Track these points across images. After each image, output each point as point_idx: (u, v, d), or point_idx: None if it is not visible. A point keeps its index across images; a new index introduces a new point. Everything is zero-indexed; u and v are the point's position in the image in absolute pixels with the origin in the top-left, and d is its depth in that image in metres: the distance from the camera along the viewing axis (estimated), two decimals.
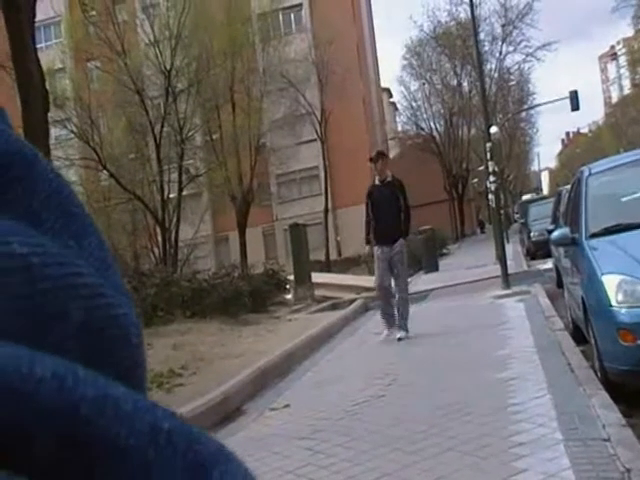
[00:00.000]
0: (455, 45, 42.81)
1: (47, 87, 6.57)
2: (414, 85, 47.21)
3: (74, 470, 0.21)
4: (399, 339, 7.38)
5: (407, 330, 7.55)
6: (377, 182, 7.81)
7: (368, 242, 7.96)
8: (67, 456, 0.20)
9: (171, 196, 21.26)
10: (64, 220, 0.26)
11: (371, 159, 7.83)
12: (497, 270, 11.38)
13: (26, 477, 0.20)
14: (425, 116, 47.07)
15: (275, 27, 33.32)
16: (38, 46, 6.94)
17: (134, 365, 0.26)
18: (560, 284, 8.42)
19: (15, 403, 0.19)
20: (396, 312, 7.65)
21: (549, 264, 11.99)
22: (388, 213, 7.58)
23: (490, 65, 41.80)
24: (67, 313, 0.23)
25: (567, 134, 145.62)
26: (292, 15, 38.07)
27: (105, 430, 0.21)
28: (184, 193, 22.07)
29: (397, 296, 7.67)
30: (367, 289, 12.29)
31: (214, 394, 5.33)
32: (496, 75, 43.57)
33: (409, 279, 8.59)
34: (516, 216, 40.84)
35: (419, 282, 15.03)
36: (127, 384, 0.23)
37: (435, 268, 17.48)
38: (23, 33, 5.69)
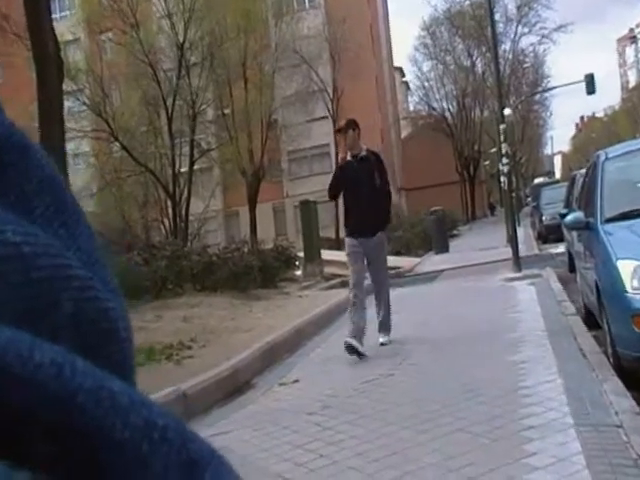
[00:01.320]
0: (469, 26, 42.34)
1: (61, 58, 6.55)
2: (427, 65, 46.85)
3: (70, 459, 0.21)
4: (382, 344, 6.20)
5: (389, 332, 6.38)
6: (349, 158, 6.22)
7: (334, 196, 6.50)
8: (63, 444, 0.20)
9: (182, 170, 21.24)
10: (55, 207, 0.26)
11: (339, 130, 6.31)
12: (508, 253, 11.32)
13: (23, 465, 0.20)
14: (437, 97, 46.81)
15: (288, 3, 33.05)
16: (52, 17, 6.88)
17: (123, 359, 0.26)
18: (572, 268, 8.36)
19: (13, 387, 0.20)
20: (365, 324, 6.08)
21: (561, 248, 11.91)
22: (364, 196, 6.06)
23: (504, 47, 41.34)
24: (58, 304, 0.23)
25: (582, 118, 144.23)
26: None
27: (101, 421, 0.21)
28: (195, 167, 22.05)
29: (377, 300, 6.38)
30: None
31: (223, 367, 5.34)
32: (510, 57, 43.13)
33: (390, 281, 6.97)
34: (528, 199, 40.65)
35: (429, 263, 15.00)
36: (116, 377, 0.23)
37: (445, 249, 17.43)
38: (38, 4, 5.65)
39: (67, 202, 0.27)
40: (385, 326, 6.39)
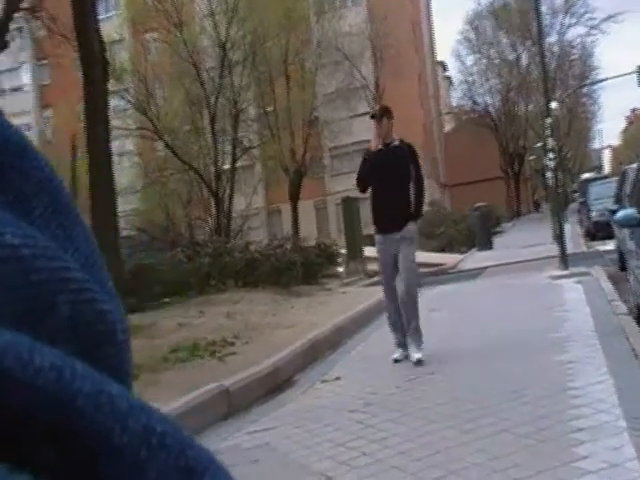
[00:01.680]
0: (514, 19, 41.66)
1: (106, 57, 6.66)
2: (470, 59, 46.27)
3: (69, 462, 0.21)
4: (419, 361, 5.44)
5: (419, 346, 5.62)
6: (379, 147, 5.80)
7: (363, 188, 5.99)
8: (62, 448, 0.20)
9: (225, 167, 21.41)
10: (53, 209, 0.26)
11: (373, 116, 5.88)
12: (554, 250, 11.10)
13: (22, 468, 0.20)
14: (481, 91, 46.21)
15: (330, 0, 33.00)
16: (98, 18, 6.99)
17: (120, 362, 0.26)
18: (623, 267, 8.14)
19: (13, 390, 0.19)
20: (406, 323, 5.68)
21: (610, 246, 11.62)
22: (393, 187, 5.66)
23: (550, 39, 40.53)
24: (56, 306, 0.23)
25: (632, 111, 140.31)
26: None
27: (100, 425, 0.21)
28: (238, 165, 22.19)
29: (402, 307, 5.72)
30: (419, 264, 12.20)
31: (265, 364, 5.36)
32: (557, 49, 42.29)
33: (420, 281, 6.39)
34: (575, 195, 39.83)
35: (472, 260, 14.81)
36: (113, 380, 0.23)
37: (489, 246, 17.19)
38: (85, 5, 5.76)
39: (65, 204, 0.27)
40: (416, 338, 5.64)
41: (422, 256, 14.72)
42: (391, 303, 5.84)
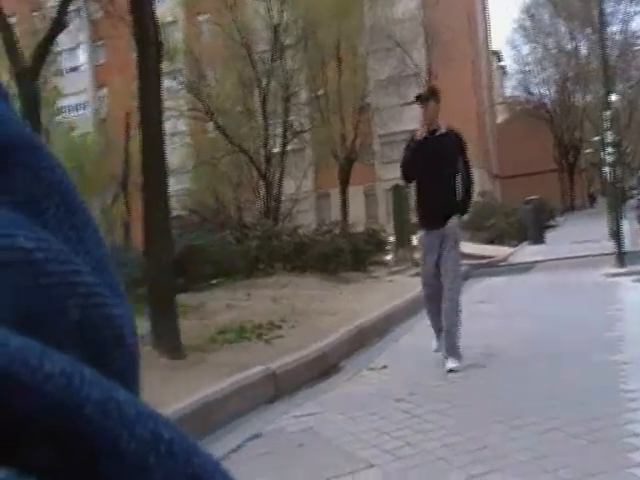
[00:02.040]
0: (574, 6, 40.54)
1: (160, 39, 6.74)
2: (526, 48, 45.26)
3: (75, 469, 0.21)
4: (450, 371, 4.99)
5: (458, 355, 5.12)
6: (424, 135, 5.30)
7: (408, 179, 5.56)
8: (69, 455, 0.20)
9: (275, 151, 21.48)
10: (65, 210, 0.26)
11: (418, 97, 5.37)
12: (609, 247, 10.82)
13: (28, 473, 0.20)
14: (536, 81, 45.23)
15: None
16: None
17: (127, 366, 0.26)
18: None
19: (22, 396, 0.20)
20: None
21: None
22: (438, 180, 5.22)
23: (613, 27, 39.31)
24: (66, 310, 0.23)
25: None
26: None
27: (108, 432, 0.21)
28: (288, 148, 22.22)
29: (442, 308, 5.26)
30: (468, 256, 12.04)
31: (312, 349, 5.38)
32: (618, 38, 41.01)
33: (461, 281, 5.74)
34: (633, 192, 38.73)
35: (523, 253, 14.56)
36: (121, 385, 0.23)
37: (541, 240, 16.88)
38: None
39: (77, 204, 0.27)
40: (451, 346, 5.12)
41: (472, 247, 14.55)
42: (429, 302, 5.46)
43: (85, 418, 0.20)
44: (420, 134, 5.34)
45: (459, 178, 5.33)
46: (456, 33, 31.81)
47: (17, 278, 0.22)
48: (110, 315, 0.25)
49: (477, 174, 36.84)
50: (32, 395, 0.20)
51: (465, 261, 11.84)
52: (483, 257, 13.12)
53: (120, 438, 0.21)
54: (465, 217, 5.74)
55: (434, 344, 5.45)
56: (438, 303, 5.27)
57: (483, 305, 7.59)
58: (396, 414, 4.10)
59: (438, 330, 5.36)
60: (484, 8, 47.26)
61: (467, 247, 13.26)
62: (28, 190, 0.25)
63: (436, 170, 5.25)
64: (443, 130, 5.41)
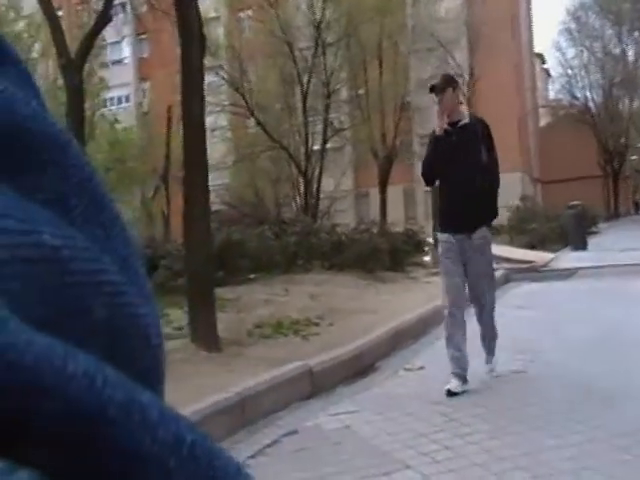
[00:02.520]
0: (621, 9, 39.75)
1: (204, 34, 6.81)
2: (571, 52, 44.54)
3: (97, 471, 0.21)
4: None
5: (492, 365, 4.87)
6: (445, 126, 4.70)
7: (429, 181, 4.98)
8: (91, 457, 0.20)
9: (315, 148, 21.53)
10: (93, 208, 0.26)
11: (433, 88, 4.78)
12: None
13: (47, 476, 0.20)
14: (581, 85, 44.50)
15: None
16: None
17: (152, 366, 0.26)
18: None
19: (45, 397, 0.20)
20: (466, 356, 4.62)
21: None
22: (465, 178, 4.61)
23: None
24: (91, 309, 0.23)
25: None
26: None
27: (130, 435, 0.21)
28: (328, 146, 22.26)
29: (478, 322, 4.82)
30: (508, 260, 11.90)
31: (349, 348, 5.36)
32: None
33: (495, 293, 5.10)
34: None
35: (565, 259, 14.32)
36: (144, 385, 0.23)
37: (583, 246, 16.58)
38: None
39: (105, 202, 0.27)
40: (489, 355, 4.90)
41: (512, 252, 14.38)
42: (452, 327, 4.63)
43: (107, 420, 0.20)
44: (440, 128, 4.70)
45: (485, 173, 4.69)
46: (500, 34, 31.48)
47: (43, 276, 0.22)
48: (136, 314, 0.25)
49: (518, 178, 36.34)
50: (56, 397, 0.20)
51: (505, 265, 11.72)
52: (523, 261, 12.94)
53: (142, 441, 0.21)
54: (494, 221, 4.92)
55: (453, 383, 4.50)
56: (461, 335, 4.58)
57: (523, 310, 7.48)
58: (434, 416, 4.06)
59: (460, 364, 4.56)
60: (528, 9, 46.63)
61: (507, 251, 13.12)
62: (57, 187, 0.25)
63: (461, 166, 4.61)
64: (466, 120, 4.75)
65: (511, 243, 17.68)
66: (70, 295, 0.22)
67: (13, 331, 0.20)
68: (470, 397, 4.42)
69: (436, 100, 4.76)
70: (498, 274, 10.86)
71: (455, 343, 4.61)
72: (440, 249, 4.82)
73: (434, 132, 4.78)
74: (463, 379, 4.55)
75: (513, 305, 8.04)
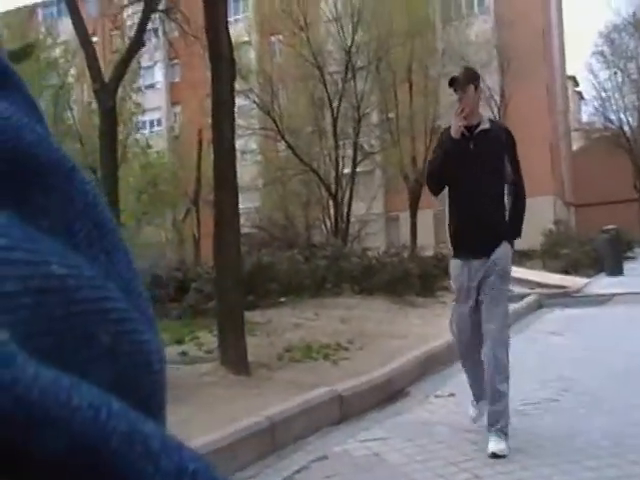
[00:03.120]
0: None
1: (234, 58, 6.93)
2: (604, 74, 44.14)
3: None
4: (493, 455, 3.80)
5: (504, 433, 3.90)
6: (461, 129, 4.06)
7: (435, 188, 4.31)
8: None
9: (345, 171, 21.62)
10: (97, 233, 0.27)
11: (453, 81, 4.19)
12: None
13: None
14: (615, 107, 43.95)
15: (457, 7, 32.57)
16: (228, 19, 7.27)
17: (154, 392, 0.26)
18: None
19: (51, 429, 0.20)
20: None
21: None
22: (481, 191, 4.01)
23: None
24: (96, 337, 0.23)
25: None
26: None
27: (133, 466, 0.21)
28: (358, 169, 22.35)
29: (485, 349, 4.01)
30: (540, 285, 11.77)
31: (379, 373, 5.34)
32: None
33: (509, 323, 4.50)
34: None
35: (599, 285, 14.10)
36: (147, 411, 0.24)
37: (619, 271, 16.30)
38: (217, 7, 5.98)
39: (109, 228, 0.27)
40: (497, 417, 3.93)
41: (544, 276, 14.21)
42: (466, 352, 4.21)
43: (111, 451, 0.21)
44: (456, 130, 4.04)
45: (506, 189, 4.12)
46: (531, 57, 31.40)
47: (50, 306, 0.22)
48: (139, 341, 0.25)
49: (550, 201, 35.90)
50: (60, 428, 0.20)
51: (538, 290, 11.59)
52: (556, 286, 12.77)
53: (145, 471, 0.21)
54: (516, 242, 4.27)
55: (472, 411, 4.25)
56: (478, 354, 4.05)
57: (556, 337, 7.38)
58: (464, 445, 4.02)
59: (478, 390, 4.16)
60: (561, 32, 46.49)
61: (540, 276, 12.96)
62: (62, 213, 0.25)
63: (478, 178, 4.01)
64: (486, 125, 4.14)
65: (544, 268, 17.48)
66: (76, 324, 0.23)
67: (20, 366, 0.20)
68: None
69: (457, 96, 4.15)
70: (531, 299, 10.77)
71: (472, 375, 4.22)
72: (452, 272, 4.18)
73: (447, 131, 4.13)
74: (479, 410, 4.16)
75: (546, 331, 7.94)
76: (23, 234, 0.23)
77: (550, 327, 7.81)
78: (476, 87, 4.19)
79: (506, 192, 4.11)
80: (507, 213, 4.10)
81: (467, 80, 4.15)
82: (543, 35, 37.63)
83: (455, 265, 4.14)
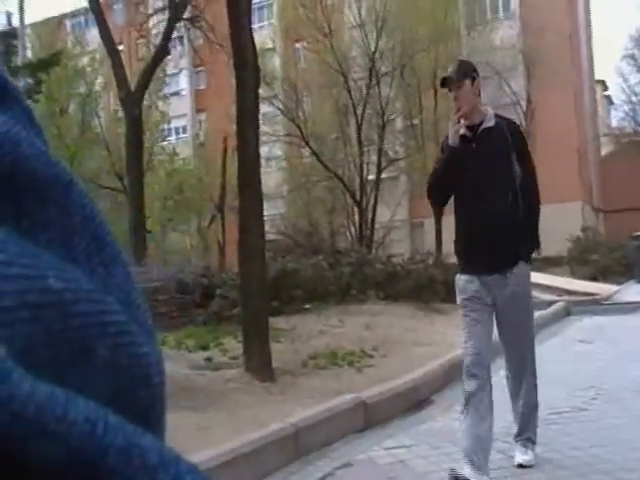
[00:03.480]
0: None
1: (258, 65, 6.97)
2: (635, 77, 43.58)
3: None
4: (520, 465, 3.66)
5: (533, 444, 3.77)
6: (462, 131, 3.61)
7: (438, 201, 3.89)
8: None
9: (370, 178, 21.60)
10: (95, 245, 0.27)
11: (444, 82, 3.75)
12: None
13: None
14: None
15: (481, 13, 32.40)
16: (252, 27, 7.33)
17: (153, 404, 0.26)
18: None
19: (48, 444, 0.20)
20: (490, 438, 3.47)
21: None
22: (488, 197, 3.53)
23: None
24: (94, 350, 0.23)
25: None
26: (500, 0, 36.65)
27: (130, 479, 0.21)
28: (382, 176, 22.31)
29: (514, 385, 3.77)
30: (568, 292, 11.64)
31: (404, 380, 5.32)
32: None
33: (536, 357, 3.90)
34: None
35: (630, 292, 13.89)
36: (144, 423, 0.24)
37: None
38: (241, 15, 6.02)
39: (107, 241, 0.27)
40: (527, 430, 3.79)
41: (573, 283, 14.03)
42: (473, 398, 3.41)
43: (108, 465, 0.21)
44: (453, 138, 3.60)
45: (518, 191, 3.60)
46: (558, 61, 31.07)
47: (48, 320, 0.22)
48: (138, 354, 0.25)
49: (578, 207, 35.46)
50: (57, 443, 0.20)
51: (566, 297, 11.46)
52: (585, 294, 12.62)
53: None
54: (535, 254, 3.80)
55: (466, 471, 3.32)
56: (486, 404, 3.43)
57: (585, 344, 7.29)
58: (492, 453, 3.97)
59: (478, 448, 3.37)
60: (589, 35, 46.04)
61: (568, 283, 12.81)
62: (60, 226, 0.26)
63: (485, 182, 3.54)
64: (491, 122, 3.64)
65: (572, 274, 17.27)
66: (74, 337, 0.23)
67: (16, 382, 0.20)
68: None
69: (452, 95, 3.68)
70: (559, 306, 10.64)
71: (472, 418, 3.40)
72: (458, 293, 3.61)
73: (446, 140, 3.69)
74: (478, 468, 3.31)
75: (574, 339, 7.85)
76: (20, 249, 0.23)
77: (579, 335, 7.71)
78: (473, 80, 3.65)
79: (520, 199, 3.59)
80: (521, 220, 3.58)
81: (461, 74, 3.63)
82: (570, 39, 37.26)
83: (462, 279, 3.60)
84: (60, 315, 0.22)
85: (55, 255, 0.24)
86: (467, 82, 3.62)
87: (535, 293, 12.52)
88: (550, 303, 11.01)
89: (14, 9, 18.02)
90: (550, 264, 20.86)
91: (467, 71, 3.67)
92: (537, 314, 9.81)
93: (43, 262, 0.23)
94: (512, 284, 3.51)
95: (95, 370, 0.23)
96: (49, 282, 0.22)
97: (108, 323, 0.24)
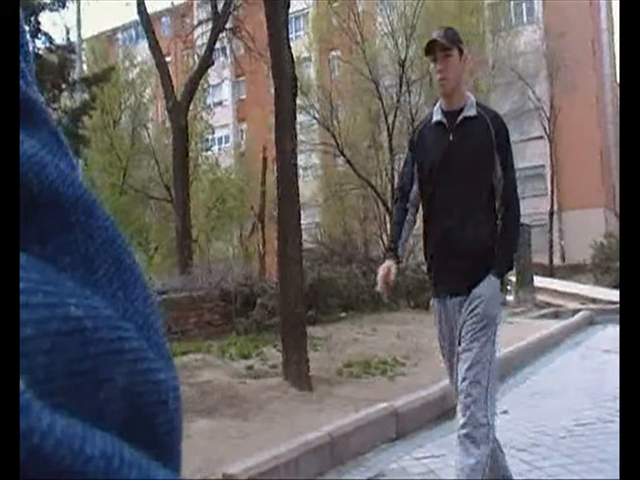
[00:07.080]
0: None
1: (296, 75, 6.93)
2: None
3: None
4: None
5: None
6: (437, 117, 3.00)
7: (390, 250, 3.11)
8: None
9: None
10: (115, 268, 0.26)
11: (429, 47, 2.96)
12: None
13: None
14: None
15: (506, 17, 31.93)
16: (289, 37, 7.31)
17: (170, 431, 0.26)
18: None
19: (64, 478, 0.20)
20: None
21: None
22: (458, 200, 2.91)
23: None
24: (112, 378, 0.23)
25: None
26: (524, 5, 36.00)
27: None
28: None
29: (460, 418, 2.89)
30: (593, 300, 11.44)
31: (434, 389, 5.28)
32: None
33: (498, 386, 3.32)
34: None
35: None
36: (161, 449, 0.24)
37: None
38: (279, 25, 5.97)
39: (127, 264, 0.27)
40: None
41: (596, 292, 13.77)
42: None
43: None
44: (433, 114, 3.03)
45: (495, 198, 2.96)
46: (580, 65, 30.44)
47: (68, 348, 0.22)
48: (155, 381, 0.25)
49: (600, 214, 34.77)
50: (73, 477, 0.20)
51: (591, 306, 11.25)
52: (609, 302, 12.37)
53: None
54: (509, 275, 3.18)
55: None
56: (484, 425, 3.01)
57: (610, 354, 7.14)
58: (517, 464, 3.93)
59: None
60: (611, 40, 45.09)
61: (591, 291, 12.58)
62: (84, 249, 0.25)
63: (456, 184, 2.91)
64: (472, 110, 2.98)
65: (595, 283, 16.93)
66: (92, 365, 0.22)
67: (35, 415, 0.20)
68: (555, 444, 4.27)
69: (434, 64, 3.00)
70: (583, 315, 10.44)
71: (466, 451, 2.86)
72: (435, 315, 3.07)
73: (414, 135, 3.13)
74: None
75: (599, 349, 7.71)
76: (42, 276, 0.22)
77: (604, 344, 7.56)
78: (460, 52, 2.98)
79: (497, 204, 2.96)
80: (492, 233, 2.93)
81: (448, 42, 2.94)
82: (593, 44, 36.57)
83: (433, 307, 3.07)
84: (80, 343, 0.22)
85: (76, 279, 0.24)
86: (456, 53, 2.96)
87: (559, 301, 12.36)
88: (574, 312, 10.83)
89: (71, 24, 18.31)
90: (574, 271, 20.33)
91: (456, 40, 2.99)
92: (560, 323, 9.71)
93: (65, 289, 0.23)
94: (472, 297, 2.86)
95: (113, 397, 0.23)
96: (70, 310, 0.22)
97: (126, 350, 0.24)
